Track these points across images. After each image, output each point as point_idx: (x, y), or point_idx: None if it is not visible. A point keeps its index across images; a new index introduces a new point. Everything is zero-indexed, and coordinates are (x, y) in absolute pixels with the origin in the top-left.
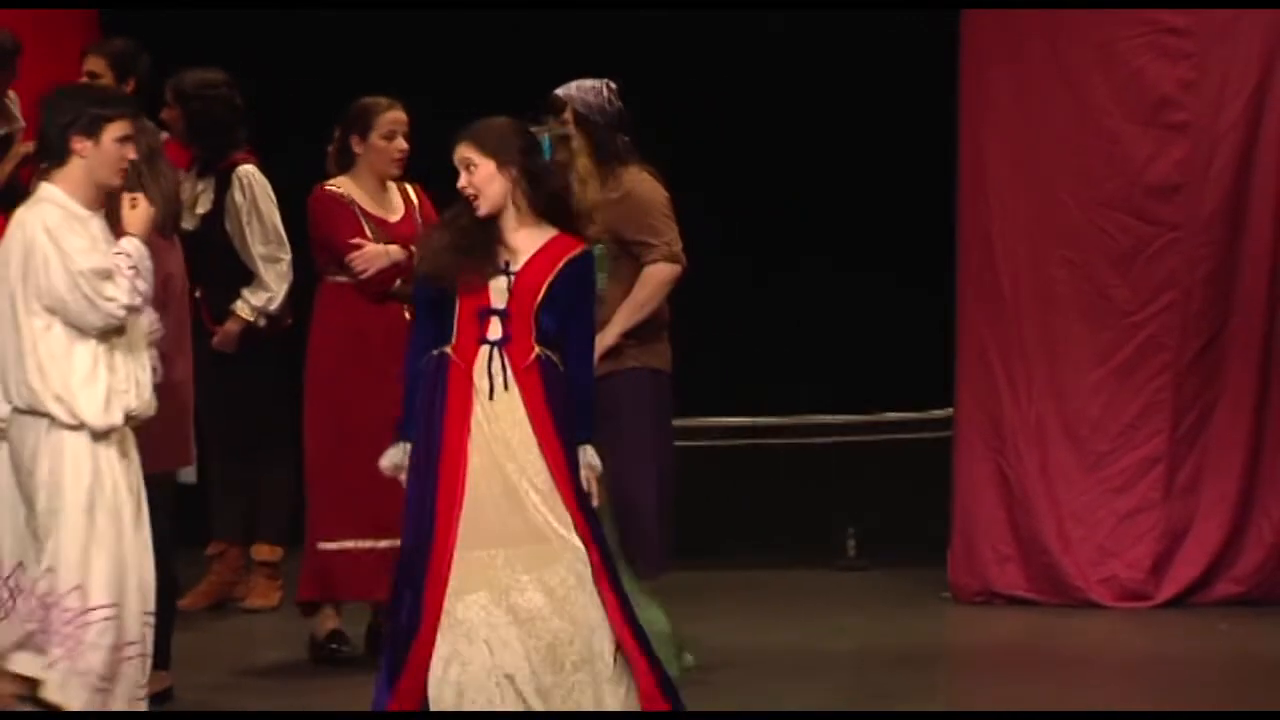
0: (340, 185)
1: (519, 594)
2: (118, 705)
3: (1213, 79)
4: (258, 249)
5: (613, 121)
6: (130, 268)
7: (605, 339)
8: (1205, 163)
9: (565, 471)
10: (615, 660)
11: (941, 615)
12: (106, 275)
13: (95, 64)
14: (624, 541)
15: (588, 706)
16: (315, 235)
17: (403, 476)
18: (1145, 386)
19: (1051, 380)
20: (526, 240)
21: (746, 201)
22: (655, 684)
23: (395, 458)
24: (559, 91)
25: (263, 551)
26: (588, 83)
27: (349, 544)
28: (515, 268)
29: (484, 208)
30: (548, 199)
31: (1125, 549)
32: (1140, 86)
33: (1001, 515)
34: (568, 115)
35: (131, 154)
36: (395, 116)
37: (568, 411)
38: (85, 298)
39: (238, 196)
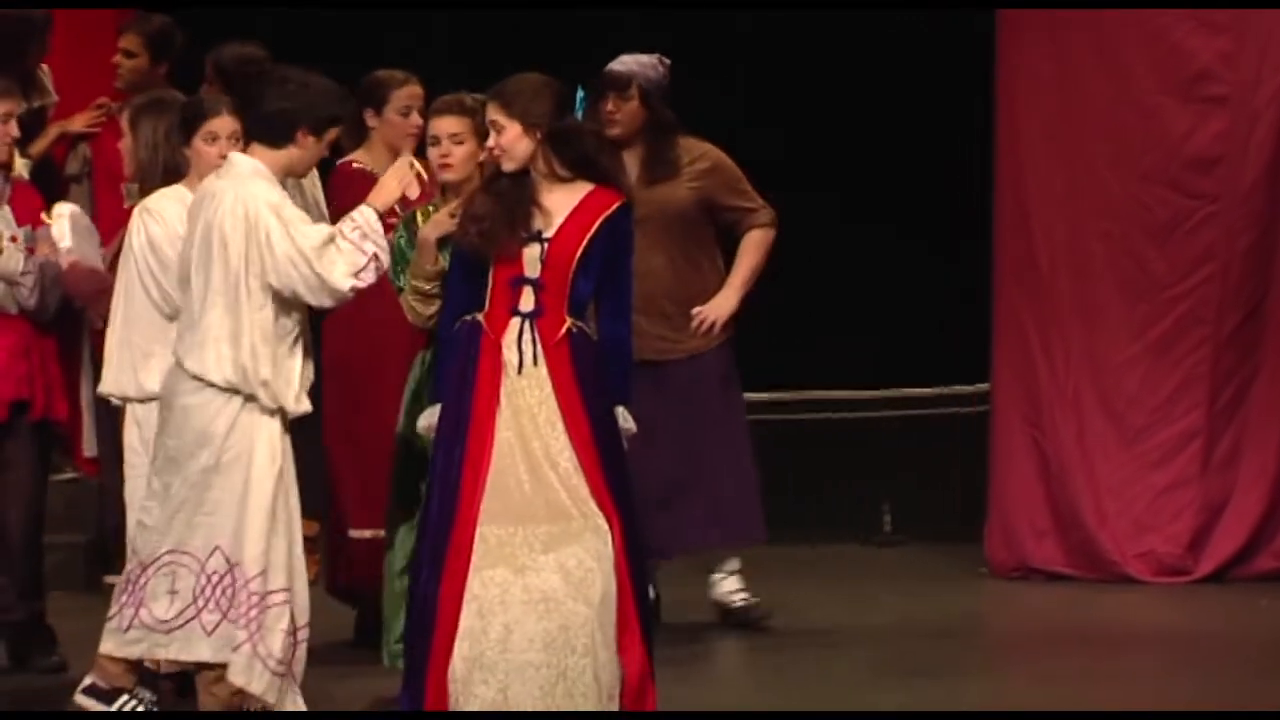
0: (361, 160)
1: (535, 575)
2: (292, 690)
3: (1251, 52)
4: None
5: (667, 95)
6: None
7: (728, 306)
8: (1244, 135)
9: (592, 447)
10: (612, 643)
11: (978, 590)
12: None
13: (131, 42)
14: (722, 511)
15: (589, 691)
16: (336, 210)
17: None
18: (1183, 360)
19: (1089, 354)
20: (560, 200)
21: (784, 179)
22: (642, 673)
23: (430, 418)
24: (620, 67)
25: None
26: (645, 57)
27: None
28: (548, 234)
29: (509, 165)
30: (578, 158)
31: (1163, 524)
32: (1179, 59)
33: (1038, 490)
34: (633, 91)
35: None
36: (411, 91)
37: (598, 382)
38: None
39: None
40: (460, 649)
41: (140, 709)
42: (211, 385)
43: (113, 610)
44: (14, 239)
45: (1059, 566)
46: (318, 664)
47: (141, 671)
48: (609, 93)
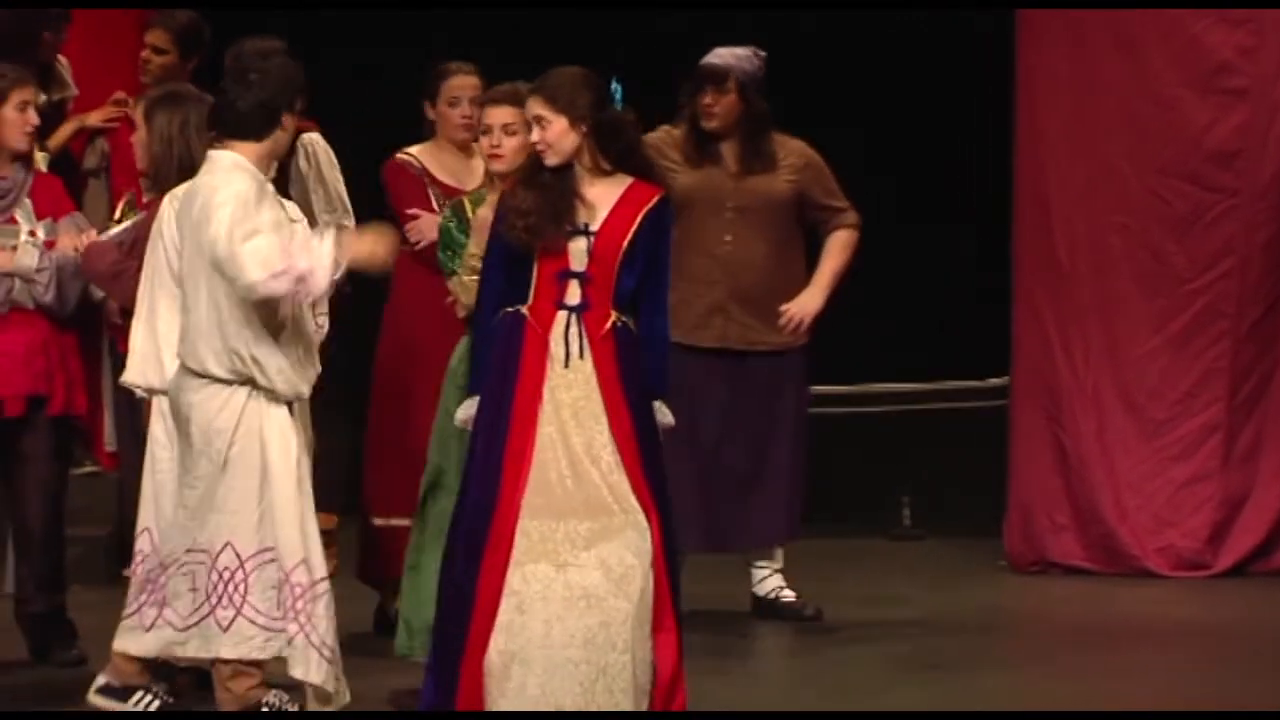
0: (413, 153)
1: (577, 571)
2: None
3: (1271, 44)
4: (321, 216)
5: (762, 89)
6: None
7: (815, 303)
8: (1264, 128)
9: (634, 442)
10: (648, 640)
11: (997, 584)
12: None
13: (160, 38)
14: (781, 508)
15: (628, 689)
16: (393, 201)
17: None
18: (1203, 354)
19: (1108, 348)
20: (603, 193)
21: None
22: (675, 671)
23: (469, 409)
24: (718, 60)
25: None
26: (741, 50)
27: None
28: (594, 227)
29: (552, 160)
30: (621, 150)
31: (1183, 518)
32: (1198, 52)
33: (1058, 484)
34: (730, 84)
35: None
36: (461, 82)
37: (641, 376)
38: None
39: (302, 164)
40: (497, 643)
41: (155, 705)
42: (212, 379)
43: (130, 608)
44: (33, 233)
45: (1078, 561)
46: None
47: (157, 665)
48: (707, 85)
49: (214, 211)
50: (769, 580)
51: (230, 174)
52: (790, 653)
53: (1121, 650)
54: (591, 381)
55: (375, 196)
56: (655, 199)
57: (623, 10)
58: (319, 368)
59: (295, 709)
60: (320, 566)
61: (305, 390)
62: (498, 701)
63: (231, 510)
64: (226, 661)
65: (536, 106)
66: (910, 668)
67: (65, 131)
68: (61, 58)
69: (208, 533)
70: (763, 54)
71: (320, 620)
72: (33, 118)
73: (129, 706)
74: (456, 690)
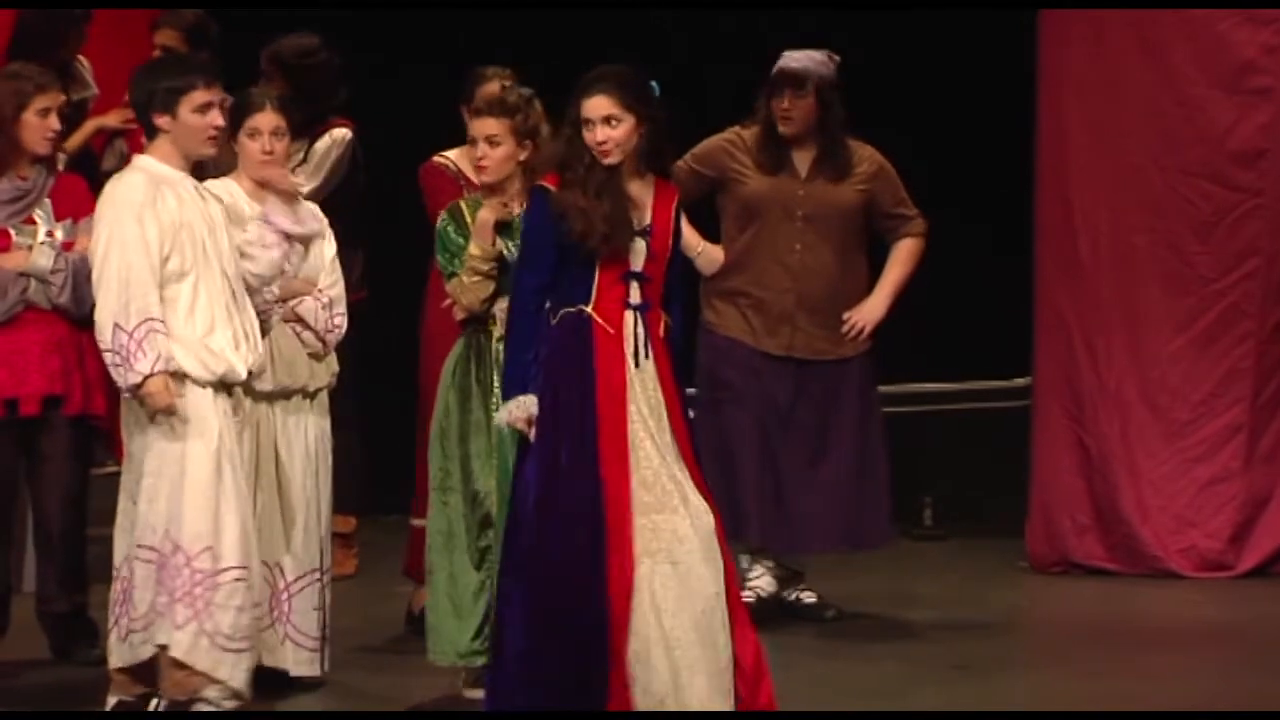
0: (450, 157)
1: (686, 567)
2: (243, 665)
3: None
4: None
5: (838, 93)
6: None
7: (877, 311)
8: None
9: (687, 437)
10: (727, 633)
11: (1019, 585)
12: None
13: (169, 37)
14: (844, 515)
15: (731, 681)
16: (431, 207)
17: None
18: (1226, 354)
19: (1131, 348)
20: (641, 192)
21: None
22: (757, 655)
23: (530, 408)
24: (796, 65)
25: (335, 523)
26: (817, 54)
27: None
28: (648, 226)
29: (615, 159)
30: (655, 150)
31: (1205, 519)
32: (1223, 52)
33: (1080, 484)
34: (809, 89)
35: (218, 121)
36: (497, 88)
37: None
38: None
39: (320, 151)
40: (634, 642)
41: (164, 706)
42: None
43: (110, 623)
44: (51, 234)
45: (1100, 561)
46: (363, 657)
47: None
48: (785, 90)
49: (96, 226)
50: (789, 585)
51: (127, 174)
52: (810, 653)
53: (1144, 651)
54: (656, 380)
55: (413, 199)
56: (678, 198)
57: (658, 10)
58: (260, 351)
59: (234, 707)
60: (233, 557)
61: (238, 372)
62: (639, 699)
63: (162, 497)
64: (164, 648)
65: (607, 105)
66: (932, 668)
67: (84, 132)
68: (83, 58)
69: (144, 524)
70: (837, 58)
71: (220, 610)
72: (54, 123)
73: (152, 709)
74: (607, 693)
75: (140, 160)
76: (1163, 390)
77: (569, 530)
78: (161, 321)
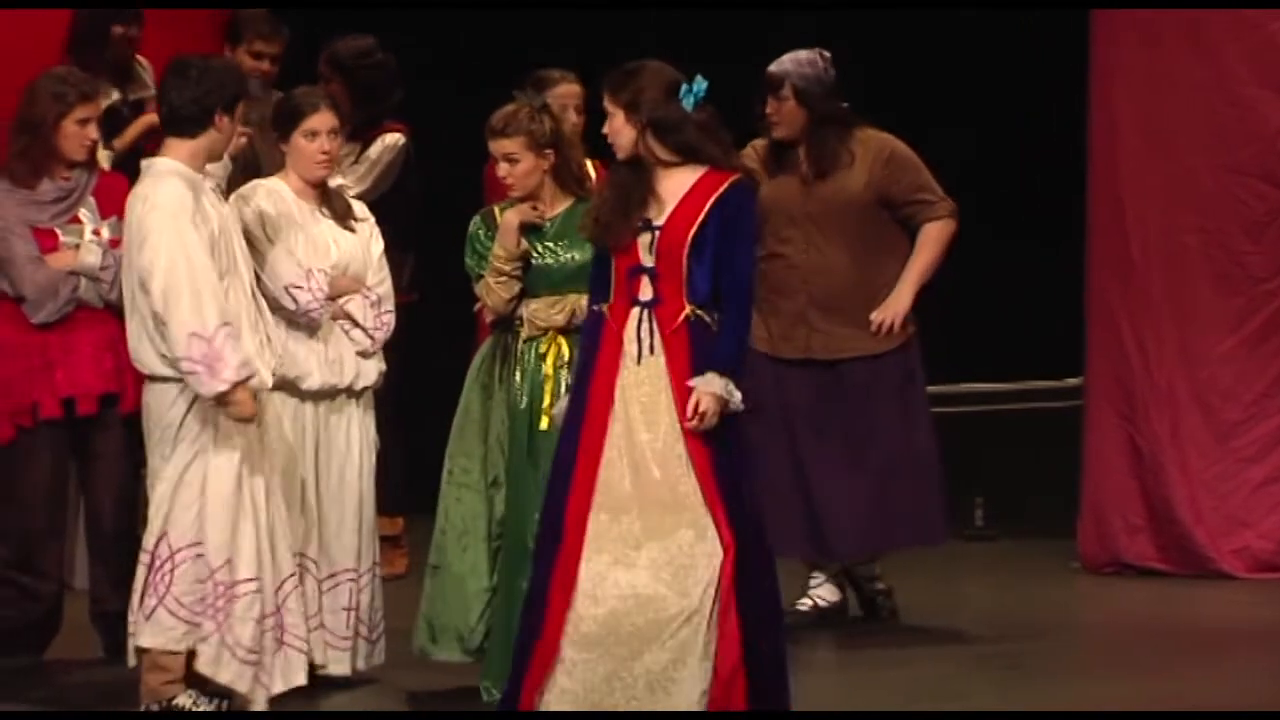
0: None
1: (627, 570)
2: (263, 679)
3: None
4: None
5: (831, 90)
6: None
7: (901, 304)
8: None
9: (702, 439)
10: (709, 638)
11: (1071, 585)
12: None
13: (265, 46)
14: (898, 513)
15: (670, 688)
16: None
17: None
18: (1278, 354)
19: (1183, 348)
20: (673, 186)
21: None
22: (734, 667)
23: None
24: (774, 68)
25: (381, 525)
26: (803, 54)
27: None
28: (659, 222)
29: (619, 153)
30: (680, 145)
31: (1258, 519)
32: (1274, 51)
33: (1132, 485)
34: (786, 91)
35: (93, 135)
36: (567, 90)
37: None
38: None
39: (372, 157)
40: (568, 637)
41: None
42: (157, 378)
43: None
44: (97, 232)
45: (1152, 562)
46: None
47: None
48: (767, 94)
49: (149, 236)
50: (860, 569)
51: (164, 182)
52: (858, 653)
53: (1197, 652)
54: (663, 377)
55: (466, 202)
56: (725, 185)
57: (718, 10)
58: (279, 356)
59: (212, 708)
60: (248, 569)
61: (265, 382)
62: (545, 697)
63: (180, 504)
64: (145, 651)
65: (606, 100)
66: (984, 668)
67: (134, 131)
68: (143, 59)
69: (155, 527)
70: (827, 55)
71: (239, 623)
72: (92, 133)
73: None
74: (523, 683)
75: (166, 164)
76: (1214, 390)
77: (544, 527)
78: (233, 325)
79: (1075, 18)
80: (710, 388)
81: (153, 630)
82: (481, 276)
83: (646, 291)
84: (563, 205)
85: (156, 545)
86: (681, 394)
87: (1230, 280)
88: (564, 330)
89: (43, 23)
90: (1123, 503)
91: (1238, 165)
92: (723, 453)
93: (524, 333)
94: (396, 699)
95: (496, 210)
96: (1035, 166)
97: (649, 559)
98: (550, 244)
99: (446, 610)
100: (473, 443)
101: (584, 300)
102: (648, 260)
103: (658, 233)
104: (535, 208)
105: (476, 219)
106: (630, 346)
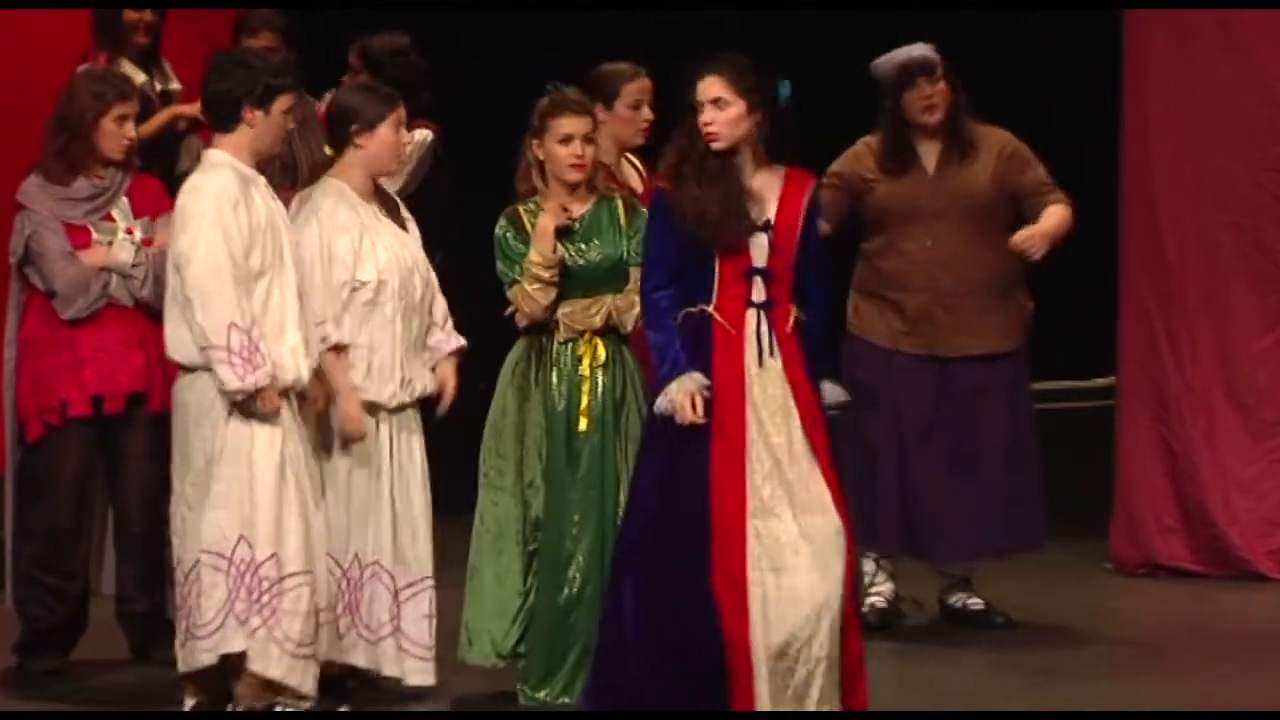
0: None
1: (791, 575)
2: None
3: None
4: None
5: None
6: None
7: (1043, 228)
8: None
9: (823, 439)
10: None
11: (1103, 587)
12: None
13: (270, 39)
14: (998, 518)
15: (827, 689)
16: None
17: (684, 416)
18: None
19: (1217, 347)
20: (766, 184)
21: None
22: (858, 659)
23: (692, 382)
24: (926, 54)
25: None
26: (921, 45)
27: None
28: (770, 220)
29: (720, 145)
30: (777, 144)
31: None
32: None
33: (1165, 485)
34: (940, 73)
35: (291, 124)
36: (642, 85)
37: (816, 371)
38: None
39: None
40: (756, 640)
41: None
42: (192, 371)
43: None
44: (130, 230)
45: (1186, 563)
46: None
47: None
48: (918, 79)
49: (189, 223)
50: (954, 590)
51: (214, 173)
52: (889, 655)
53: (1232, 654)
54: (783, 379)
55: (494, 202)
56: (812, 185)
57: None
58: (315, 357)
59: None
60: (296, 562)
61: (304, 380)
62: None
63: (233, 504)
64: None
65: (716, 88)
66: (1018, 670)
67: (159, 120)
68: (165, 60)
69: (213, 531)
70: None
71: (288, 616)
72: (130, 131)
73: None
74: (730, 694)
75: (219, 155)
76: (1250, 389)
77: (679, 534)
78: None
79: (1108, 18)
80: (836, 397)
81: (248, 633)
82: (517, 282)
83: (760, 293)
84: (588, 204)
85: (234, 551)
86: (802, 395)
87: (1265, 278)
88: (600, 332)
89: (70, 22)
90: (1156, 503)
91: (1272, 163)
92: (833, 453)
93: (559, 335)
94: (437, 701)
95: (522, 212)
96: (1068, 166)
97: (810, 563)
98: (582, 245)
99: (480, 614)
100: (507, 445)
101: (619, 300)
102: (761, 261)
103: (772, 232)
104: (565, 208)
105: (503, 221)
106: (750, 349)
